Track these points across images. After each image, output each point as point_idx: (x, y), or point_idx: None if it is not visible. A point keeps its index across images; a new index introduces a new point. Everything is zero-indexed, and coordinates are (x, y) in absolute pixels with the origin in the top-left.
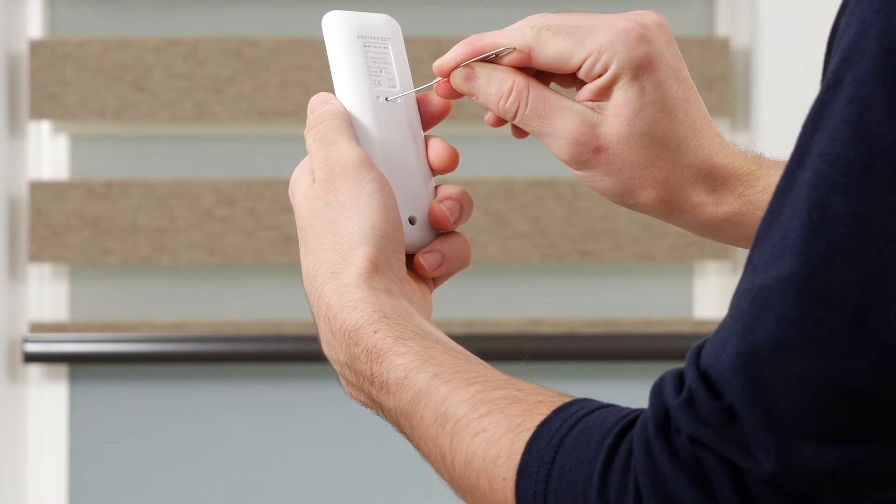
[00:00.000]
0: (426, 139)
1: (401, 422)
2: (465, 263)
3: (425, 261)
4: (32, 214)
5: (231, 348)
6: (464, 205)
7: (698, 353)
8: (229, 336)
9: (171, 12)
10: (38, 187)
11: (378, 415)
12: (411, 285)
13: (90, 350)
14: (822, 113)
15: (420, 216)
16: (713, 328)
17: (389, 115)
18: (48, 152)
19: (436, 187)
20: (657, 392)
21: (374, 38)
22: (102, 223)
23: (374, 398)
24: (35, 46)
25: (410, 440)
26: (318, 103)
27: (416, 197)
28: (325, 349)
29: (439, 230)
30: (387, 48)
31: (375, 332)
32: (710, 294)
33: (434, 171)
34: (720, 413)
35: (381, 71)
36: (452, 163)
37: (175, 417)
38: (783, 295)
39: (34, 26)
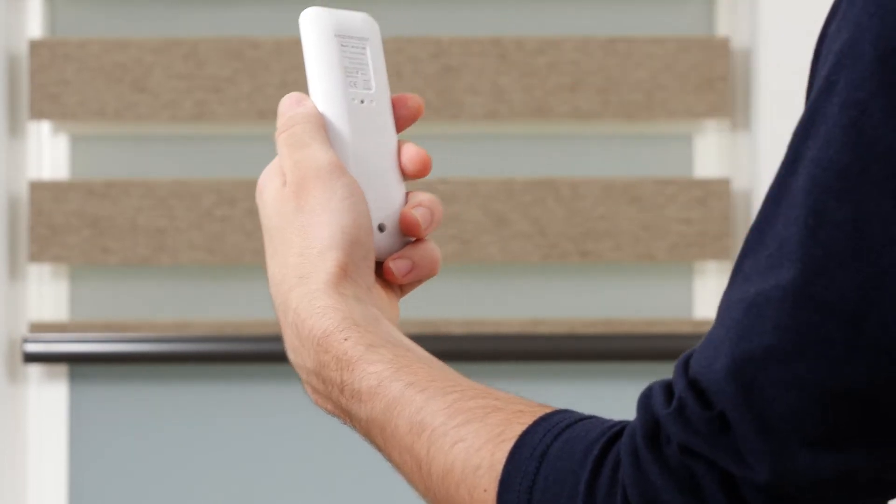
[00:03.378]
0: (399, 143)
1: (372, 431)
2: (433, 271)
3: (395, 267)
4: (32, 214)
5: (231, 348)
6: (434, 212)
7: (686, 363)
8: (230, 336)
9: (171, 13)
10: (38, 187)
11: (345, 424)
12: (379, 293)
13: (90, 350)
14: (813, 119)
15: (390, 223)
16: None
17: (364, 118)
18: (48, 152)
19: (406, 194)
20: (645, 402)
21: (352, 37)
22: (102, 223)
23: (344, 407)
24: (35, 46)
25: (381, 450)
26: (289, 104)
27: (387, 203)
28: (291, 356)
29: (409, 237)
30: (364, 48)
31: (346, 339)
32: (710, 294)
33: (406, 176)
34: (712, 422)
35: (357, 72)
36: (425, 168)
37: (175, 418)
38: (780, 302)
39: (34, 26)
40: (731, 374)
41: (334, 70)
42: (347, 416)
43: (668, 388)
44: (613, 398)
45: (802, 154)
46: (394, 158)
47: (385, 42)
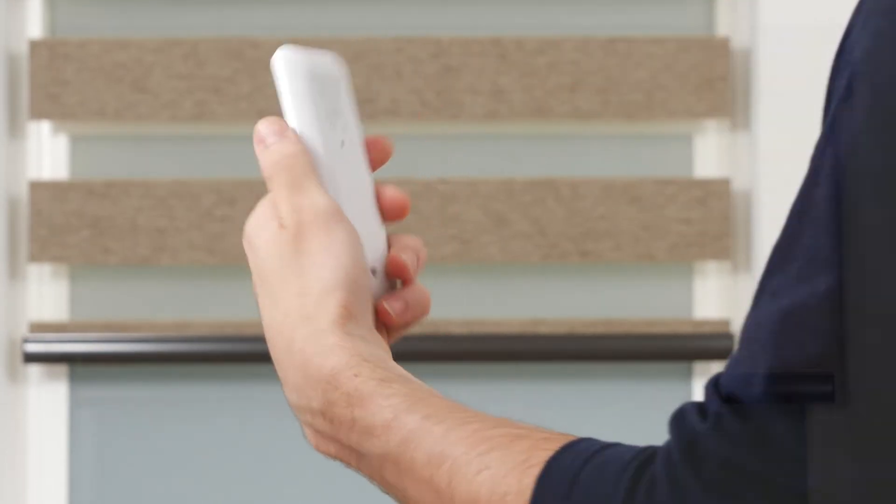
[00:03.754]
0: (376, 186)
1: (386, 466)
2: (425, 311)
3: (391, 307)
4: (32, 214)
5: (231, 348)
6: (420, 254)
7: (716, 383)
8: (230, 336)
9: (171, 12)
10: (38, 187)
11: (349, 467)
12: (378, 335)
13: (90, 350)
14: (833, 128)
15: (378, 266)
16: (713, 328)
17: (345, 161)
18: (48, 152)
19: (387, 236)
20: (678, 422)
21: (328, 78)
22: (102, 223)
23: (353, 445)
24: (35, 46)
25: (393, 486)
26: (270, 132)
27: (373, 246)
28: (294, 397)
29: (394, 280)
30: (339, 89)
31: (356, 375)
32: (710, 294)
33: (385, 219)
34: (752, 433)
35: (335, 114)
36: (405, 210)
37: (175, 418)
38: (817, 310)
39: (34, 26)
40: (770, 384)
41: (318, 114)
42: (355, 455)
43: (700, 407)
44: (613, 398)
45: (824, 164)
46: (373, 201)
47: (385, 42)
